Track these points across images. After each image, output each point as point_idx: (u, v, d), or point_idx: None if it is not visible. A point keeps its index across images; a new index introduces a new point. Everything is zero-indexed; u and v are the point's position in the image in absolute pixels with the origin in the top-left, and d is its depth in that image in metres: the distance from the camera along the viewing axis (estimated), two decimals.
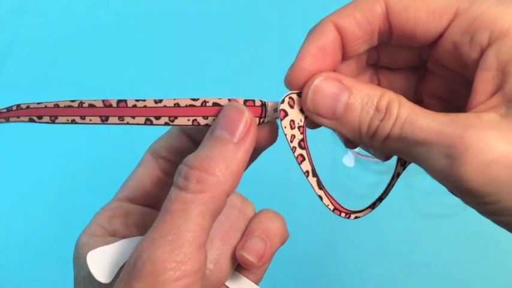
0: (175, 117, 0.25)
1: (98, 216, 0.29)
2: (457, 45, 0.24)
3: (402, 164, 0.30)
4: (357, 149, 0.56)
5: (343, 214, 0.27)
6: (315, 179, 0.26)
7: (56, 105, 0.26)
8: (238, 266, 0.28)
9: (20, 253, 0.62)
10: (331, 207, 0.27)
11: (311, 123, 0.26)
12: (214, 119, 0.25)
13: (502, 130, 0.22)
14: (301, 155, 0.26)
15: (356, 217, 0.28)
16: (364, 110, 0.24)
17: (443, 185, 0.24)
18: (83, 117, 0.25)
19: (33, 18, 0.72)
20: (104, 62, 0.68)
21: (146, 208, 0.30)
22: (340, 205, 0.27)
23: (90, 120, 0.25)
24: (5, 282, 0.61)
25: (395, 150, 0.24)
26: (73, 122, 0.26)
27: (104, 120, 0.25)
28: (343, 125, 0.24)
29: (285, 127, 0.25)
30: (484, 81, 0.23)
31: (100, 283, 0.24)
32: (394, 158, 0.30)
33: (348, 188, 0.59)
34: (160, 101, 0.25)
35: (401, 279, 0.59)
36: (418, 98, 0.29)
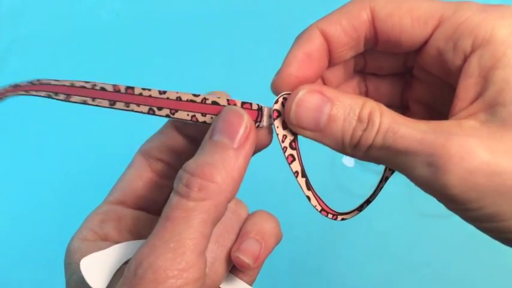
0: (176, 111, 0.26)
1: (88, 220, 0.28)
2: (441, 51, 0.24)
3: (390, 169, 0.30)
4: None
5: (330, 215, 0.28)
6: (304, 179, 0.26)
7: (72, 84, 0.27)
8: (232, 268, 0.28)
9: (20, 253, 0.62)
10: (319, 208, 0.27)
11: None
12: (212, 118, 0.25)
13: (483, 138, 0.22)
14: (292, 155, 0.26)
15: (343, 219, 0.28)
16: (347, 120, 0.24)
17: (427, 192, 0.24)
18: (93, 99, 0.26)
19: (33, 18, 0.72)
20: (104, 62, 0.68)
21: (138, 211, 0.29)
22: (327, 206, 0.28)
23: (100, 103, 0.26)
24: (5, 282, 0.61)
25: (379, 160, 0.24)
26: (85, 102, 0.27)
27: (112, 104, 0.26)
28: (326, 136, 0.24)
29: (277, 127, 0.26)
30: (466, 88, 0.23)
31: None
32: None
33: (348, 188, 0.59)
34: (164, 92, 0.26)
35: (401, 279, 0.59)
36: (404, 104, 0.29)
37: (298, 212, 0.57)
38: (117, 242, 0.26)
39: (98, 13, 0.72)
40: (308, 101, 0.24)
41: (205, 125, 0.25)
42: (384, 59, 0.28)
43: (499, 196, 0.22)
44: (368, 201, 0.30)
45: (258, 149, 0.26)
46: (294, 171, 0.26)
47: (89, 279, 0.24)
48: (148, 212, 0.29)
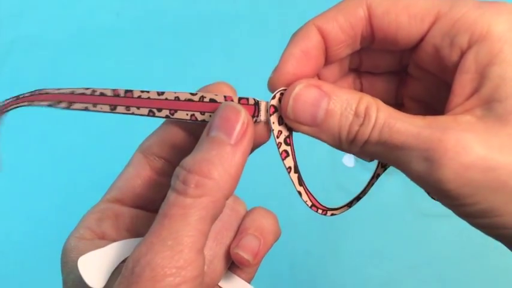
0: (175, 111, 0.26)
1: (86, 218, 0.28)
2: (438, 48, 0.24)
3: (383, 166, 0.30)
4: None
5: (320, 211, 0.28)
6: (296, 175, 0.27)
7: (72, 92, 0.27)
8: (231, 265, 0.27)
9: (20, 253, 0.62)
10: (309, 204, 0.27)
11: None
12: (210, 115, 0.25)
13: (479, 133, 0.22)
14: (286, 151, 0.26)
15: (332, 214, 0.28)
16: (344, 115, 0.24)
17: (422, 187, 0.24)
18: (94, 105, 0.27)
19: (33, 18, 0.72)
20: (104, 62, 0.68)
21: (136, 210, 0.29)
22: (318, 202, 0.28)
23: (101, 108, 0.27)
24: (5, 282, 0.61)
25: (375, 155, 0.24)
26: (86, 109, 0.27)
27: (113, 109, 0.27)
28: (323, 131, 0.24)
29: (273, 122, 0.26)
30: (462, 84, 0.23)
31: None
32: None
33: (348, 188, 0.59)
34: (163, 93, 0.26)
35: (401, 279, 0.59)
36: (399, 101, 0.29)
37: (298, 212, 0.57)
38: (114, 241, 0.26)
39: (97, 13, 0.72)
40: (305, 95, 0.24)
41: (206, 123, 0.25)
42: (380, 57, 0.28)
43: (494, 191, 0.22)
44: (358, 198, 0.30)
45: (256, 144, 0.26)
46: (287, 166, 0.26)
47: (86, 278, 0.23)
48: (146, 210, 0.29)
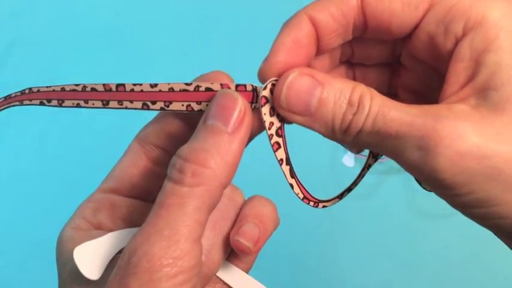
0: (170, 102, 0.25)
1: (81, 208, 0.27)
2: (432, 36, 0.24)
3: (374, 156, 0.30)
4: None
5: (311, 203, 0.28)
6: (288, 167, 0.26)
7: (63, 89, 0.27)
8: (228, 256, 0.27)
9: (20, 253, 0.62)
10: (301, 196, 0.27)
11: None
12: (207, 105, 0.25)
13: (474, 121, 0.21)
14: (277, 142, 0.26)
15: (324, 206, 0.28)
16: (337, 104, 0.23)
17: (417, 177, 0.24)
18: (86, 101, 0.26)
19: (33, 18, 0.72)
20: (104, 62, 0.68)
21: (132, 199, 0.28)
22: (309, 194, 0.27)
23: (93, 104, 0.26)
24: (5, 282, 0.61)
25: (369, 145, 0.24)
26: (78, 105, 0.26)
27: (105, 104, 0.26)
28: (316, 121, 0.24)
29: (265, 114, 0.25)
30: (457, 72, 0.23)
31: (88, 279, 0.23)
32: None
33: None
34: (156, 85, 0.25)
35: (401, 279, 0.59)
36: (392, 92, 0.29)
37: (298, 211, 0.57)
38: (110, 231, 0.25)
39: (97, 13, 0.72)
40: (299, 84, 0.24)
41: (203, 113, 0.25)
42: (372, 48, 0.28)
43: (489, 180, 0.21)
44: (349, 189, 0.30)
45: (255, 132, 0.26)
46: (278, 158, 0.26)
47: (82, 269, 0.23)
48: (142, 200, 0.29)
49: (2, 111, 0.29)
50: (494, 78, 0.22)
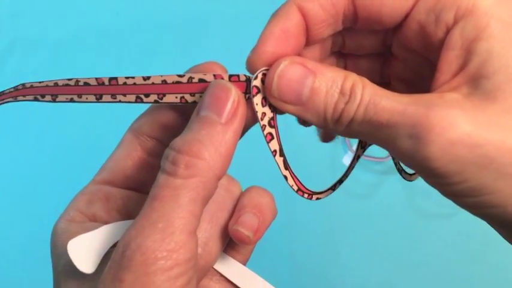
0: (164, 95, 0.25)
1: (75, 200, 0.27)
2: (423, 25, 0.24)
3: (362, 147, 0.29)
4: None
5: (305, 195, 0.27)
6: (281, 158, 0.26)
7: (56, 84, 0.26)
8: (225, 248, 0.27)
9: (20, 253, 0.62)
10: (295, 188, 0.27)
11: None
12: (201, 96, 0.24)
13: (466, 110, 0.21)
14: (270, 133, 0.25)
15: (317, 198, 0.28)
16: (329, 93, 0.23)
17: (409, 166, 0.24)
18: (79, 96, 0.26)
19: (33, 18, 0.72)
20: (104, 62, 0.68)
21: (127, 191, 0.28)
22: (303, 186, 0.27)
23: (87, 98, 0.26)
24: (5, 282, 0.61)
25: (361, 134, 0.24)
26: (72, 100, 0.26)
27: (99, 98, 0.26)
28: (307, 110, 0.24)
29: (256, 104, 0.25)
30: (448, 61, 0.23)
31: (83, 273, 0.23)
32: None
33: (348, 188, 0.59)
34: (148, 78, 0.25)
35: (401, 279, 0.59)
36: (384, 81, 0.29)
37: (298, 211, 0.57)
38: (105, 223, 0.25)
39: (97, 13, 0.72)
40: (290, 73, 0.23)
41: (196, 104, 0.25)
42: (363, 38, 0.27)
43: (481, 168, 0.21)
44: (340, 181, 0.30)
45: (249, 123, 0.26)
46: (272, 150, 0.26)
47: (76, 262, 0.23)
48: (137, 191, 0.28)
49: None
50: (486, 66, 0.22)
